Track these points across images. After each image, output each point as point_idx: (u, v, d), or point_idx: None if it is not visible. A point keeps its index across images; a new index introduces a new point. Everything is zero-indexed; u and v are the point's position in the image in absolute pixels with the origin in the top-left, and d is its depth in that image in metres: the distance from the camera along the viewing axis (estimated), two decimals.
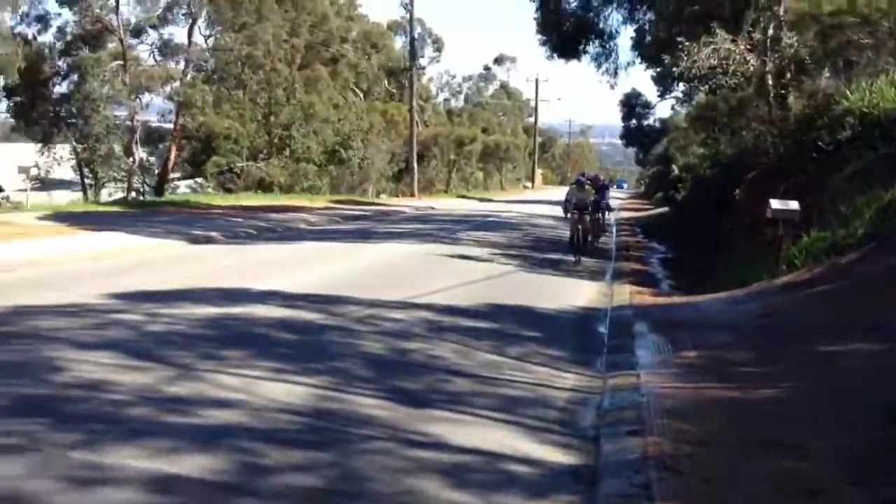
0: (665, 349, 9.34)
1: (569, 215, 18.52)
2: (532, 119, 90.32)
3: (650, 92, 58.35)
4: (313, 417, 6.19)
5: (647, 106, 62.34)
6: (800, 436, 6.01)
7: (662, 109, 61.41)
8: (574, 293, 13.86)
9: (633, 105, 63.02)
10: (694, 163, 32.05)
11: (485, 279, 14.63)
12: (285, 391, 6.75)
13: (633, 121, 65.26)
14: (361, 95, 60.15)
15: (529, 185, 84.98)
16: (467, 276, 14.65)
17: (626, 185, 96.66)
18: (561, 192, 24.44)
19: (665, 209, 39.49)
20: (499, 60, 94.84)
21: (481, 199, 53.06)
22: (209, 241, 18.90)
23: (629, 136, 67.99)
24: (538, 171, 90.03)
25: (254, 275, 13.46)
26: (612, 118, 70.99)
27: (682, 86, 25.25)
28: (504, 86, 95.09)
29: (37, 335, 8.17)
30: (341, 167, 47.66)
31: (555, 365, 8.67)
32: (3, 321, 8.85)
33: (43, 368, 6.93)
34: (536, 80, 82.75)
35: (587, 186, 19.60)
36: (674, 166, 42.26)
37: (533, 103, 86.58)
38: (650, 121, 65.02)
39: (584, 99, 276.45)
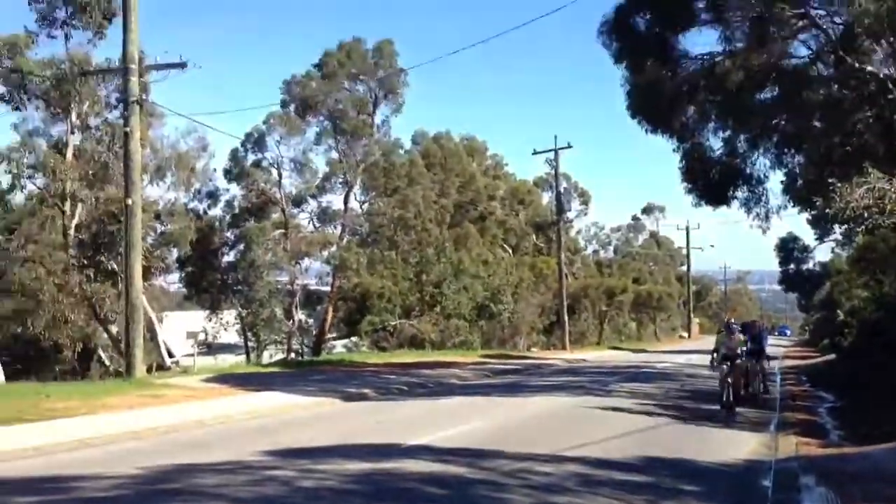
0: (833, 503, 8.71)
1: (715, 366, 17.38)
2: (684, 267, 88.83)
3: (807, 235, 56.66)
4: None
5: (806, 250, 60.44)
6: None
7: (822, 252, 59.10)
8: (735, 445, 13.21)
9: (790, 249, 61.23)
10: (859, 307, 30.45)
11: (638, 431, 14.18)
12: None
13: (792, 265, 63.15)
14: (510, 250, 61.21)
15: (685, 334, 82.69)
16: (620, 429, 14.24)
17: (789, 332, 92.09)
18: None
19: (832, 356, 37.43)
20: (647, 210, 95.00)
21: (635, 350, 51.97)
22: (362, 398, 19.26)
23: (788, 281, 65.60)
24: (694, 320, 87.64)
25: (404, 430, 13.56)
26: (771, 263, 69.08)
27: (839, 228, 24.26)
28: (654, 235, 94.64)
29: (196, 492, 8.48)
30: (492, 321, 48.06)
31: None
32: (170, 479, 9.25)
33: None
34: (687, 228, 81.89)
35: (737, 334, 18.12)
36: (838, 311, 40.33)
37: (684, 251, 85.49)
38: (809, 265, 62.74)
39: (738, 244, 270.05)
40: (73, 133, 32.23)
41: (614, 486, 9.45)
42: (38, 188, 32.36)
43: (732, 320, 20.20)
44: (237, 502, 8.02)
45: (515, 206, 64.97)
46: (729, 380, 17.13)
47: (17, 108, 31.73)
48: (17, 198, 33.50)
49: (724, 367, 17.18)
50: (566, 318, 49.86)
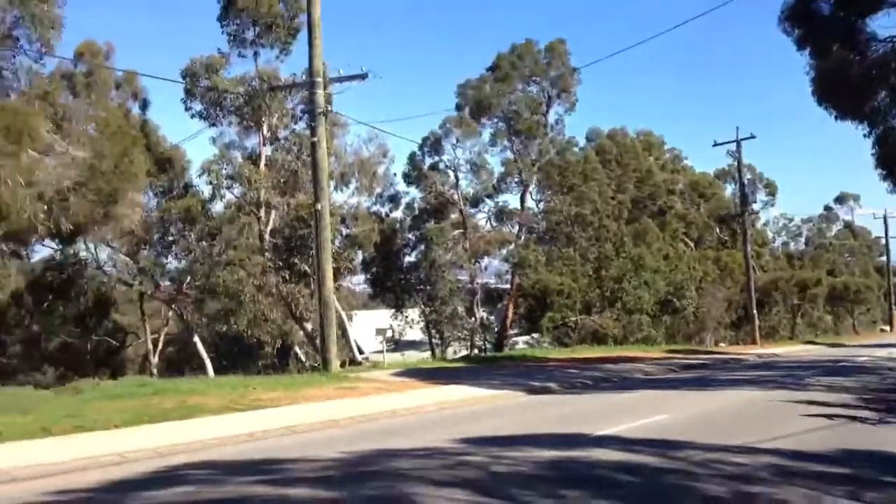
0: None
1: None
2: (884, 258, 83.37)
3: None
4: None
5: None
6: None
7: None
8: None
9: None
10: None
11: (836, 424, 13.59)
12: None
13: None
14: (692, 245, 59.60)
15: (887, 327, 77.68)
16: (816, 422, 13.70)
17: None
18: None
19: None
20: (840, 199, 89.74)
21: (831, 345, 49.39)
22: (546, 391, 19.45)
23: None
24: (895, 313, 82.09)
25: (591, 421, 13.63)
26: None
27: None
28: (848, 225, 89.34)
29: (395, 474, 8.95)
30: (675, 317, 47.05)
31: None
32: (370, 462, 9.80)
33: (400, 500, 7.59)
34: (885, 217, 76.93)
35: None
36: None
37: (883, 241, 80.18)
38: None
39: None
40: (264, 145, 34.26)
41: (811, 476, 9.16)
42: (236, 197, 34.61)
43: None
44: (435, 484, 8.40)
45: (696, 199, 63.15)
46: None
47: (213, 124, 34.13)
48: (217, 206, 35.98)
49: None
50: (755, 312, 48.08)
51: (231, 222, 35.44)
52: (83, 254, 34.09)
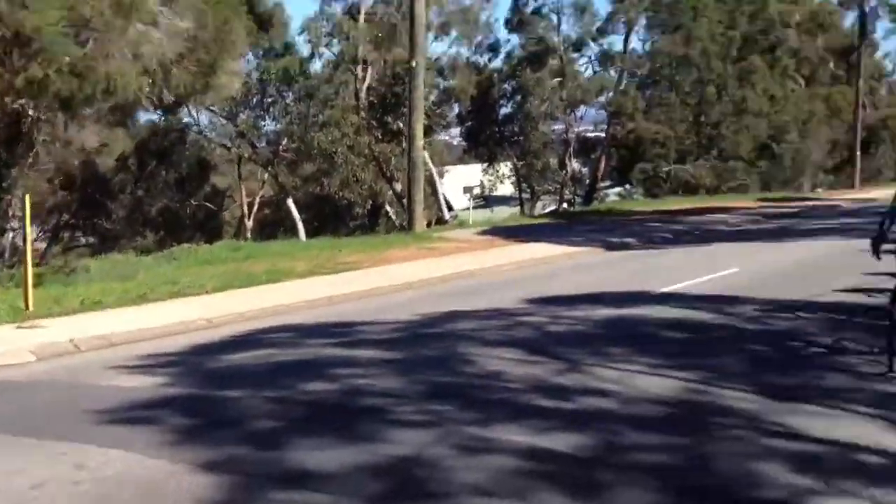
0: None
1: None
2: None
3: None
4: (679, 407, 6.71)
5: None
6: None
7: None
8: None
9: None
10: None
11: None
12: (658, 384, 7.32)
13: None
14: (803, 82, 56.93)
15: None
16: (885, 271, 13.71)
17: None
18: None
19: None
20: None
21: None
22: (625, 247, 19.80)
23: None
24: None
25: (659, 278, 14.02)
26: None
27: None
28: None
29: (456, 335, 9.68)
30: (773, 163, 45.81)
31: None
32: (434, 324, 10.57)
33: (456, 362, 8.32)
34: None
35: None
36: None
37: None
38: None
39: None
40: None
41: (859, 328, 9.43)
42: (333, 55, 34.75)
43: None
44: (488, 344, 9.08)
45: (814, 31, 59.59)
46: None
47: None
48: (316, 65, 36.24)
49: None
50: (858, 153, 46.33)
51: (328, 82, 35.75)
52: (185, 119, 35.22)
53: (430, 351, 8.87)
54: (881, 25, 64.50)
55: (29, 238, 11.90)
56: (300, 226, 33.06)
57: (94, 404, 7.00)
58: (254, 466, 5.47)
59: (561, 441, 5.90)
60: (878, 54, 68.19)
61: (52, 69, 13.96)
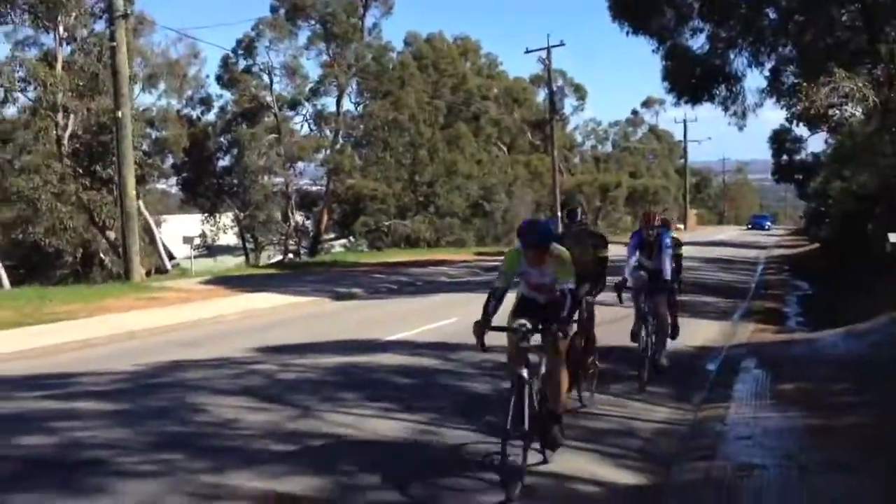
0: (764, 384, 9.60)
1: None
2: (683, 161, 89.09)
3: (801, 127, 55.79)
4: (409, 448, 6.99)
5: (798, 140, 60.42)
6: (861, 459, 6.31)
7: (816, 143, 59.38)
8: (694, 333, 13.74)
9: (782, 140, 61.27)
10: (838, 198, 31.24)
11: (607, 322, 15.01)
12: (389, 426, 7.59)
13: (785, 157, 63.23)
14: (505, 149, 61.45)
15: (681, 226, 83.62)
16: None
17: (768, 224, 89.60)
18: (717, 233, 23.11)
19: (817, 246, 38.40)
20: (647, 103, 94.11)
21: (626, 243, 52.79)
22: (352, 297, 20.16)
23: (781, 172, 65.75)
24: (692, 212, 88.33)
25: (386, 327, 14.45)
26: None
27: (804, 125, 24.53)
28: (653, 129, 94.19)
29: (184, 385, 9.39)
30: (486, 219, 48.87)
31: (652, 401, 9.11)
32: (160, 374, 10.15)
33: (185, 411, 8.08)
34: (685, 122, 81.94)
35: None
36: (830, 201, 41.20)
37: (683, 145, 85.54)
38: (802, 155, 62.84)
39: (740, 136, 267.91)
40: (61, 45, 32.32)
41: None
42: (30, 100, 32.62)
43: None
44: (218, 392, 8.92)
45: (510, 104, 64.80)
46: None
47: (3, 22, 31.74)
48: (10, 110, 33.81)
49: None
50: (560, 213, 50.50)
51: (26, 127, 33.40)
52: None
53: (156, 401, 8.52)
54: (568, 102, 71.69)
55: None
56: (3, 274, 30.33)
57: None
58: None
59: (299, 484, 5.97)
60: (570, 127, 75.53)
61: None
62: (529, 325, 6.21)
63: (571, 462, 6.60)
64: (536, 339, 6.29)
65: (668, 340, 10.64)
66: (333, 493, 5.86)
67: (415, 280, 24.22)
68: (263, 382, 9.58)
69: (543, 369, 6.36)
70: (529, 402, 5.92)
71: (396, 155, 45.27)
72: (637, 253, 10.10)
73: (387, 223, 43.66)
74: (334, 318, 16.57)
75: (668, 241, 9.96)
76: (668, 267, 9.85)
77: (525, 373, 5.98)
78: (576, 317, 7.47)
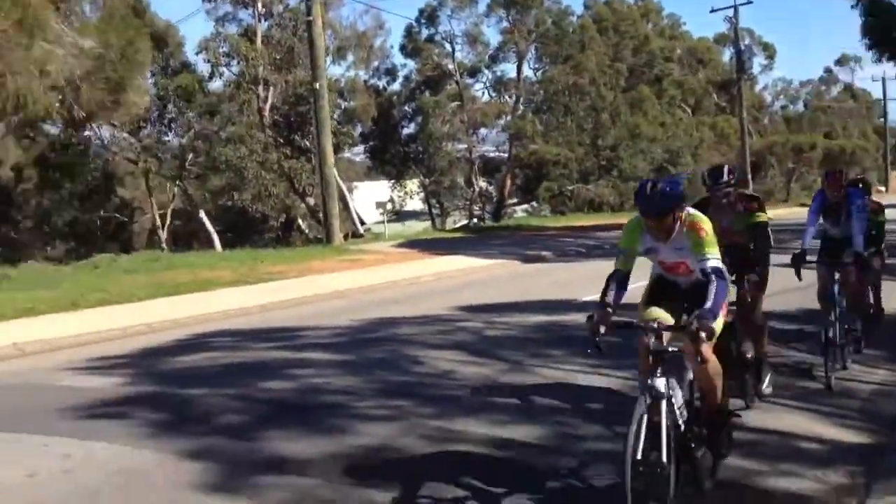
0: None
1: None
2: (883, 120, 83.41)
3: None
4: (620, 400, 7.17)
5: None
6: None
7: None
8: None
9: None
10: None
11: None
12: (597, 381, 7.79)
13: None
14: (689, 111, 59.67)
15: (883, 188, 78.58)
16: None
17: None
18: None
19: None
20: (841, 61, 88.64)
21: None
22: (540, 259, 20.44)
23: None
24: (893, 174, 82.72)
25: (579, 287, 14.55)
26: None
27: None
28: (848, 87, 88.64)
29: (398, 339, 9.98)
30: None
31: (868, 363, 8.84)
32: (374, 329, 10.82)
33: (405, 362, 8.62)
34: (883, 80, 76.65)
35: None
36: None
37: (883, 104, 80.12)
38: None
39: None
40: (259, 21, 34.15)
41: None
42: (234, 74, 34.74)
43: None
44: (431, 346, 9.42)
45: (694, 65, 62.71)
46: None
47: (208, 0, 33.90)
48: (215, 84, 36.19)
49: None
50: (749, 176, 48.77)
51: (231, 100, 35.67)
52: (87, 133, 34.46)
53: (376, 353, 9.13)
54: (756, 61, 68.42)
55: None
56: (215, 237, 32.76)
57: (58, 403, 7.03)
58: (234, 455, 5.66)
59: (519, 432, 6.28)
60: (758, 87, 72.17)
61: None
62: (664, 321, 4.87)
63: (793, 420, 6.58)
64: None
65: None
66: (555, 441, 6.12)
67: (602, 243, 24.16)
68: (471, 338, 10.01)
69: (689, 378, 4.97)
70: (671, 422, 4.48)
71: (578, 119, 45.02)
72: (820, 218, 8.30)
73: (570, 188, 43.60)
74: (526, 279, 16.89)
75: (859, 203, 8.07)
76: (859, 235, 7.91)
77: (661, 385, 4.41)
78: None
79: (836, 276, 7.82)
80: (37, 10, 13.71)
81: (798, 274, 7.80)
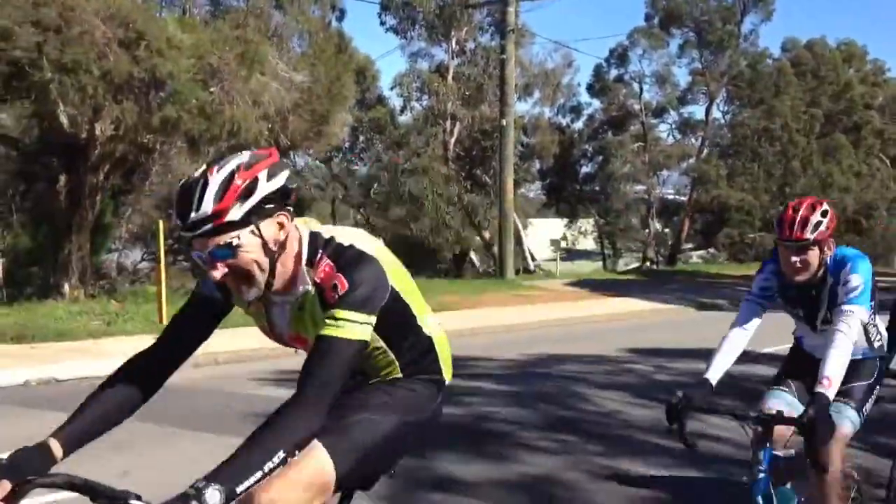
0: None
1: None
2: None
3: None
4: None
5: None
6: None
7: None
8: None
9: None
10: None
11: None
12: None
13: None
14: (888, 162, 56.45)
15: None
16: None
17: None
18: None
19: None
20: None
21: None
22: (716, 307, 19.96)
23: None
24: None
25: (755, 338, 14.19)
26: None
27: None
28: None
29: (565, 376, 10.15)
30: (862, 238, 45.38)
31: None
32: (542, 364, 11.05)
33: (571, 399, 8.78)
34: None
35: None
36: None
37: None
38: None
39: None
40: (452, 58, 35.34)
41: None
42: (422, 108, 36.04)
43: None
44: (599, 386, 9.51)
45: None
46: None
47: (403, 37, 35.54)
48: (404, 117, 37.65)
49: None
50: None
51: (419, 133, 36.97)
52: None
53: (544, 387, 9.32)
54: None
55: (162, 258, 12.77)
56: None
57: (248, 409, 7.64)
58: (407, 470, 5.97)
59: (686, 474, 6.29)
60: None
61: (184, 110, 15.08)
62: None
63: None
64: None
65: None
66: (719, 489, 6.11)
67: None
68: (640, 381, 10.02)
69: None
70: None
71: (766, 165, 43.57)
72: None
73: (751, 235, 42.21)
74: (700, 326, 16.54)
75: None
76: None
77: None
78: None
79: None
80: (257, 46, 14.97)
81: (681, 436, 3.76)
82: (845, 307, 3.61)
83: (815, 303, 3.96)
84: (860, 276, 3.66)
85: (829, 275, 3.79)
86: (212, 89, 15.52)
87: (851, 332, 3.54)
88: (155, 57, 14.60)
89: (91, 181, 17.00)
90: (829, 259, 3.76)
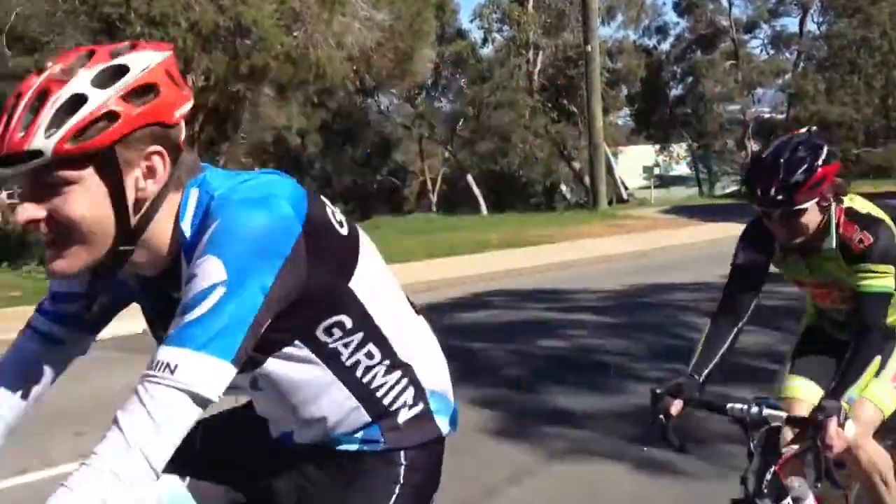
0: None
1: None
2: None
3: None
4: None
5: None
6: None
7: None
8: None
9: None
10: None
11: None
12: None
13: None
14: None
15: None
16: None
17: None
18: None
19: None
20: None
21: None
22: None
23: None
24: None
25: None
26: None
27: None
28: None
29: (670, 304, 10.01)
30: None
31: None
32: (645, 294, 10.92)
33: (678, 328, 8.64)
34: None
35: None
36: None
37: None
38: None
39: None
40: None
41: None
42: (504, 39, 35.47)
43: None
44: (704, 314, 9.28)
45: None
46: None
47: None
48: (486, 50, 37.17)
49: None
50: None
51: (501, 65, 36.49)
52: (367, 100, 36.73)
53: (649, 318, 9.20)
54: None
55: None
56: (482, 201, 33.90)
57: None
58: (518, 405, 6.03)
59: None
60: None
61: (270, 57, 15.17)
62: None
63: None
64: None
65: None
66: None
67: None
68: None
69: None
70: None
71: (866, 77, 41.50)
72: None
73: (855, 151, 40.46)
74: None
75: None
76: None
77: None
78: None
79: None
80: None
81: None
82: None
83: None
84: None
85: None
86: (295, 34, 15.58)
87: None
88: (239, 5, 14.71)
89: (186, 133, 17.33)
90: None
